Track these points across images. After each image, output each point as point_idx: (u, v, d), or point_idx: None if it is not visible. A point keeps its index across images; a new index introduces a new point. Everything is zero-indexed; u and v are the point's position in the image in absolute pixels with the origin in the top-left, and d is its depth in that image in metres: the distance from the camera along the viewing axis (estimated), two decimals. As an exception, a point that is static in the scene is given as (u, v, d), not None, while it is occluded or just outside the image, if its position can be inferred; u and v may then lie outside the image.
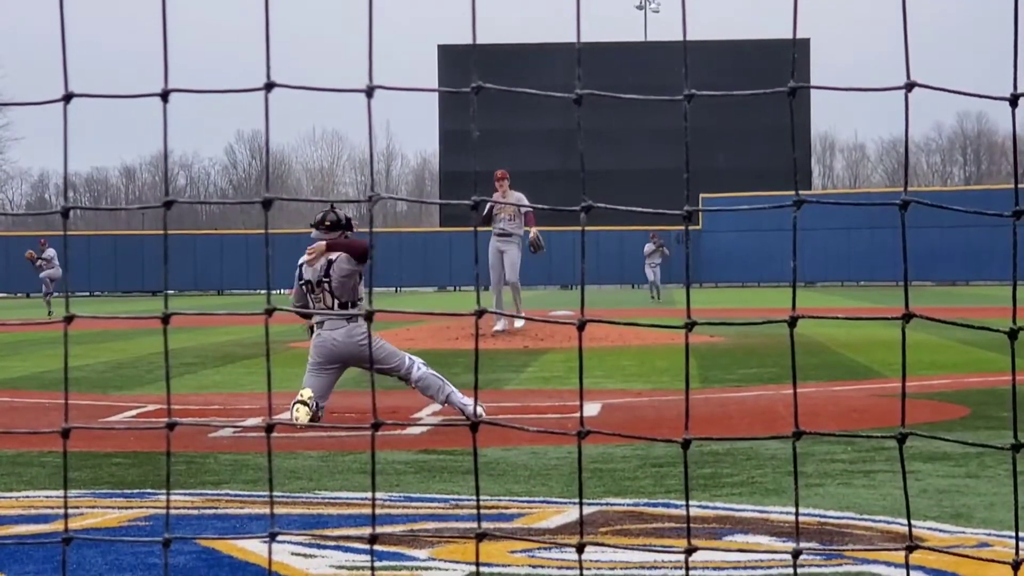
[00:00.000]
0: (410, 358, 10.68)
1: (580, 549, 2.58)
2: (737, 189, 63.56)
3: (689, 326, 2.46)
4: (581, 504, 2.47)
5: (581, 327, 2.53)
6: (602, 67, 71.21)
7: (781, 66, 70.73)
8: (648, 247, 46.06)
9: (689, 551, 2.55)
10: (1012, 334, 2.55)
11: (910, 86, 2.47)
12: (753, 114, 70.53)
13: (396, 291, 64.59)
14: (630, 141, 72.50)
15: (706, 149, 71.72)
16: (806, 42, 75.76)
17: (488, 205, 21.15)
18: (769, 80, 57.14)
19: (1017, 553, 2.67)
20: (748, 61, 69.31)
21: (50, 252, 37.39)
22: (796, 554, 2.64)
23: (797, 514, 2.42)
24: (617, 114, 72.54)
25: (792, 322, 2.50)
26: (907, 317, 2.46)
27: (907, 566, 2.57)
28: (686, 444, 2.53)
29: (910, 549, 2.58)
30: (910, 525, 2.60)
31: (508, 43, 76.79)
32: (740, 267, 63.08)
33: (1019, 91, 2.53)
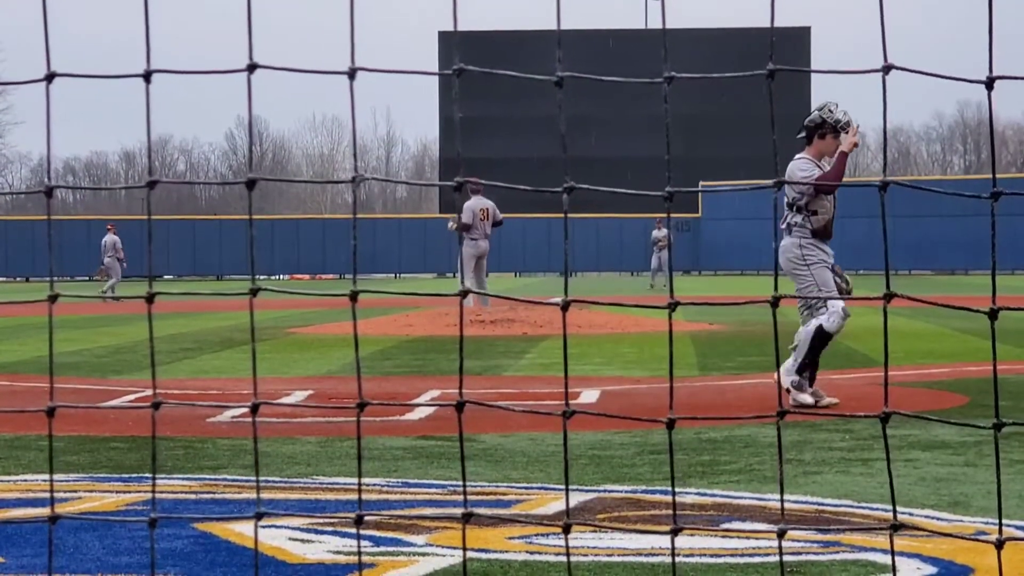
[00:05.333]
0: None
1: (567, 530, 2.62)
2: (739, 177, 63.58)
3: (672, 306, 2.56)
4: (568, 485, 2.47)
5: (565, 307, 2.68)
6: (603, 54, 71.16)
7: (783, 54, 70.70)
8: (655, 233, 45.82)
9: (675, 531, 2.58)
10: (992, 314, 2.65)
11: (887, 68, 2.60)
12: (755, 103, 70.44)
13: (396, 276, 64.63)
14: (633, 129, 72.45)
15: (708, 137, 71.70)
16: (807, 30, 75.72)
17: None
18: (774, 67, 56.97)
19: (1000, 532, 2.67)
20: (750, 49, 69.21)
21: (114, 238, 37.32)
22: (781, 534, 2.67)
23: (782, 493, 2.42)
24: (620, 102, 72.53)
25: (774, 303, 2.62)
26: (888, 297, 2.59)
27: (891, 547, 2.57)
28: (671, 424, 2.61)
29: (895, 528, 2.62)
30: (894, 505, 2.60)
31: (509, 29, 76.74)
32: (740, 255, 63.08)
33: (995, 74, 2.63)
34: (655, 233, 46.01)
